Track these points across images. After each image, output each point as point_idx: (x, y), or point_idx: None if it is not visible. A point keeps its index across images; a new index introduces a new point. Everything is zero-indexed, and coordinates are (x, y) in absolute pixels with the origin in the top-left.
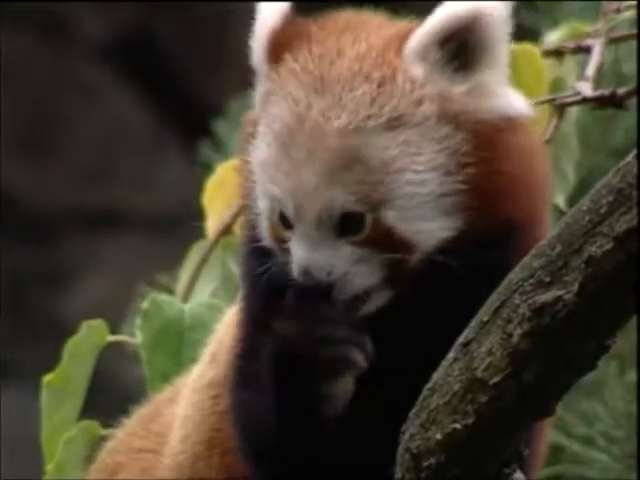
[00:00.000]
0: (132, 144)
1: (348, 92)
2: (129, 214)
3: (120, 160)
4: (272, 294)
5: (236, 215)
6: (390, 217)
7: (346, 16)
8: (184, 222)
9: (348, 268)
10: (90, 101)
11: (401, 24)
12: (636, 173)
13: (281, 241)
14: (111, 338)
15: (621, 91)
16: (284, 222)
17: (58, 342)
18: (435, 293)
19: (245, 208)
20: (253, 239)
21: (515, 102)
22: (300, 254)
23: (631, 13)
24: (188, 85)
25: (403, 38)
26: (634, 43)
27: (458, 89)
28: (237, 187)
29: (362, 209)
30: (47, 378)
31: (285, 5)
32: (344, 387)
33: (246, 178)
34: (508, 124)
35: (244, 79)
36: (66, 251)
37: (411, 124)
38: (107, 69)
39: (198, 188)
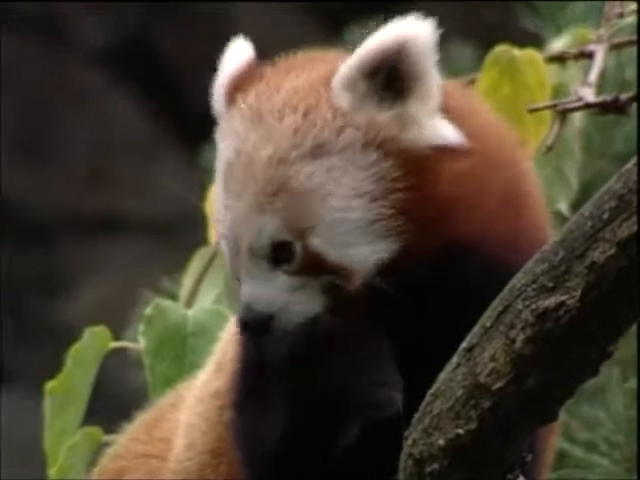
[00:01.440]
0: (132, 148)
1: (275, 123)
2: (129, 219)
3: (120, 165)
4: None
5: None
6: (317, 243)
7: (304, 55)
8: (184, 227)
9: (287, 298)
10: (89, 105)
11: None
12: (637, 179)
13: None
14: (114, 344)
15: (623, 97)
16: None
17: (59, 347)
18: (381, 315)
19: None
20: None
21: (442, 131)
22: (242, 289)
23: (634, 18)
24: (188, 89)
25: (335, 71)
26: (635, 49)
27: (384, 117)
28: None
29: (290, 237)
30: (50, 385)
31: (248, 51)
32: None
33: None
34: (438, 151)
35: None
36: (67, 256)
37: (334, 152)
38: (106, 73)
39: (198, 192)
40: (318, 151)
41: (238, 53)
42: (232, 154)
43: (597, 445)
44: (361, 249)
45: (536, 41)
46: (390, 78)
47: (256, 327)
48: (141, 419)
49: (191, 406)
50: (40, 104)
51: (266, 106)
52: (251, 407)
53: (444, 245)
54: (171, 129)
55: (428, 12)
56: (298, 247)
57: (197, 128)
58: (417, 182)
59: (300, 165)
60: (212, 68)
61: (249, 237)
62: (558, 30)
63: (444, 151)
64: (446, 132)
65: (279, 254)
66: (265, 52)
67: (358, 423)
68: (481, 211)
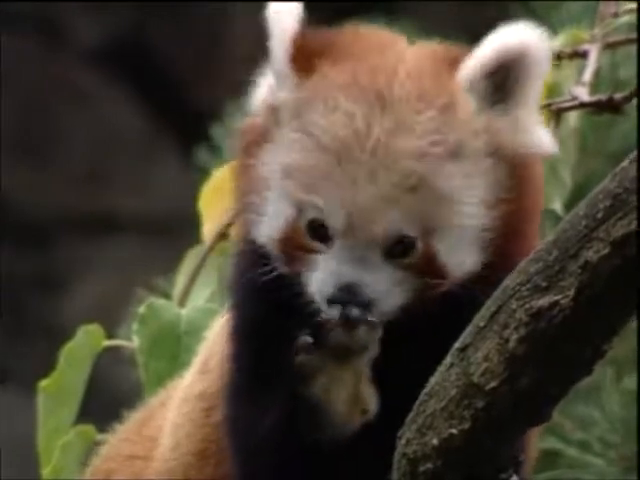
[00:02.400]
0: (128, 148)
1: (413, 115)
2: (125, 218)
3: (116, 164)
4: (266, 303)
5: (232, 220)
6: (439, 246)
7: (368, 31)
8: (180, 226)
9: (389, 288)
10: (85, 105)
11: (430, 46)
12: (633, 178)
13: (300, 250)
14: (107, 343)
15: (618, 96)
16: (317, 233)
17: (54, 346)
18: (442, 318)
19: (243, 211)
20: (248, 243)
21: (544, 139)
22: (342, 269)
23: (628, 17)
24: (184, 89)
25: (450, 64)
26: (631, 48)
27: (501, 123)
28: (234, 189)
29: (416, 234)
30: (43, 383)
31: (298, 9)
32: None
33: (249, 182)
34: (535, 160)
35: (240, 83)
36: (62, 255)
37: (468, 155)
38: (102, 73)
39: (194, 192)
40: (456, 152)
41: (289, 12)
42: (349, 134)
43: (591, 445)
44: (468, 257)
45: None
46: (502, 82)
47: (349, 309)
48: (131, 419)
49: (177, 406)
50: (36, 104)
51: (390, 91)
52: (248, 403)
53: (506, 263)
54: (167, 129)
55: (424, 10)
56: (420, 245)
57: (193, 128)
58: (520, 192)
59: (440, 164)
60: (210, 68)
61: (374, 226)
62: (552, 30)
63: (538, 160)
64: (546, 139)
65: (398, 247)
66: (264, 50)
67: None
68: (536, 227)
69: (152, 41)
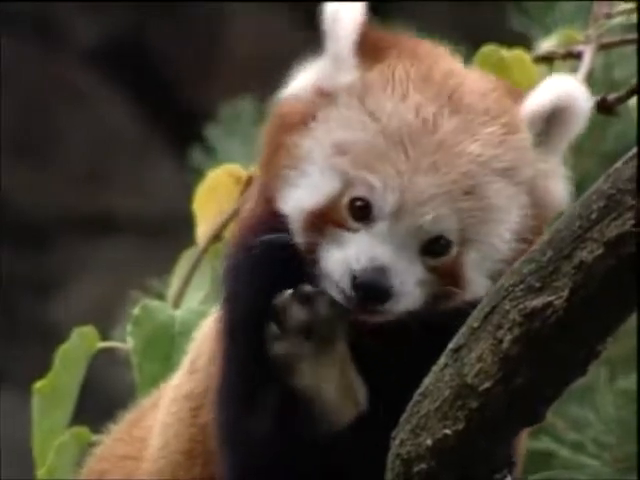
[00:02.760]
0: (123, 149)
1: (480, 124)
2: (120, 219)
3: (111, 165)
4: (265, 285)
5: (226, 222)
6: (470, 257)
7: (420, 40)
8: (175, 227)
9: (413, 287)
10: (81, 106)
11: (477, 70)
12: (627, 178)
13: (333, 225)
14: (102, 344)
15: (612, 97)
16: (359, 210)
17: (49, 347)
18: (442, 330)
19: (269, 185)
20: (267, 215)
21: (565, 194)
22: (377, 251)
23: (622, 18)
24: (179, 90)
25: (513, 93)
26: (625, 49)
27: (543, 165)
28: (262, 166)
29: (455, 239)
30: (38, 384)
31: (363, 6)
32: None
33: (288, 157)
34: (553, 211)
35: (235, 86)
36: (57, 256)
37: (516, 181)
38: (99, 74)
39: (189, 193)
40: (509, 173)
41: (353, 5)
42: (415, 121)
43: (585, 446)
44: (485, 281)
45: (524, 41)
46: (549, 128)
47: (377, 294)
48: (124, 419)
49: (166, 406)
50: (34, 104)
51: (460, 96)
52: (240, 402)
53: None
54: (162, 130)
55: (418, 11)
56: (454, 251)
57: (188, 129)
58: (535, 239)
59: (495, 177)
60: (205, 69)
61: (425, 218)
62: (546, 30)
63: (555, 213)
64: (565, 195)
65: (435, 246)
66: (259, 51)
67: None
68: None
69: (148, 42)
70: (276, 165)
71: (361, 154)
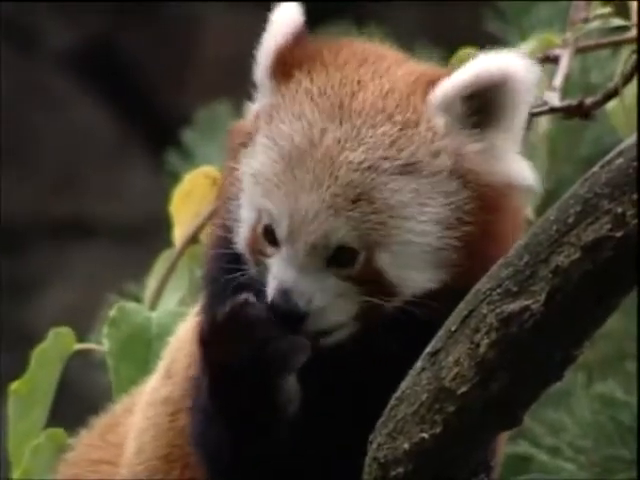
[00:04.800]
0: (99, 154)
1: (368, 128)
2: (96, 223)
3: (87, 170)
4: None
5: (203, 224)
6: (383, 260)
7: (361, 45)
8: (151, 231)
9: (328, 300)
10: (56, 110)
11: (422, 66)
12: (603, 183)
13: (259, 254)
14: (78, 346)
15: (588, 101)
16: (269, 238)
17: (26, 351)
18: (394, 339)
19: (222, 211)
20: (225, 242)
21: (523, 171)
22: (283, 275)
23: (599, 22)
24: (155, 95)
25: (428, 84)
26: (601, 53)
27: (473, 147)
28: (218, 189)
29: (358, 246)
30: (14, 386)
31: (297, 22)
32: (289, 391)
33: (230, 184)
34: (511, 190)
35: (211, 89)
36: (33, 260)
37: (424, 174)
38: (73, 79)
39: (165, 197)
40: (409, 169)
41: (286, 18)
42: (304, 142)
43: (562, 450)
44: (418, 274)
45: (501, 45)
46: (481, 107)
47: (289, 319)
48: (97, 425)
49: (141, 411)
50: (7, 108)
51: (351, 103)
52: (201, 407)
53: (472, 282)
54: (138, 133)
55: (393, 15)
56: (362, 257)
57: (164, 133)
58: (486, 218)
59: (388, 178)
60: (181, 74)
61: (316, 234)
62: (523, 34)
63: (517, 191)
64: (526, 173)
65: (340, 258)
66: (234, 54)
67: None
68: (508, 247)
69: (123, 45)
70: (224, 192)
71: (265, 182)
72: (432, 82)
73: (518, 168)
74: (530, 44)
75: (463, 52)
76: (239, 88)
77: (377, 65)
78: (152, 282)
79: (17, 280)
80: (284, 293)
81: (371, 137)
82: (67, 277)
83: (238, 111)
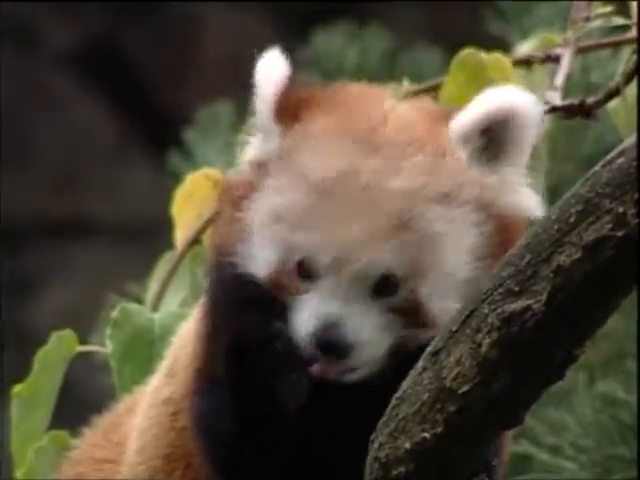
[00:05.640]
0: (100, 153)
1: (401, 158)
2: (97, 223)
3: (88, 169)
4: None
5: (205, 226)
6: (424, 291)
7: (350, 87)
8: (151, 231)
9: (374, 332)
10: (57, 110)
11: (420, 102)
12: (604, 182)
13: (286, 292)
14: (81, 348)
15: (590, 100)
16: (303, 273)
17: (26, 351)
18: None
19: (227, 253)
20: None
21: (533, 204)
22: (327, 308)
23: (600, 21)
24: (156, 95)
25: (443, 118)
26: (602, 52)
27: (491, 180)
28: (218, 240)
29: (402, 275)
30: (17, 388)
31: (286, 70)
32: (298, 384)
33: (237, 231)
34: (524, 222)
35: (211, 89)
36: (34, 260)
37: (457, 204)
38: (74, 78)
39: (166, 197)
40: (444, 199)
41: (275, 67)
42: (335, 172)
43: (563, 449)
44: (454, 306)
45: (502, 45)
46: (492, 142)
47: (335, 351)
48: (99, 424)
49: (143, 411)
50: (7, 108)
51: (376, 136)
52: (211, 397)
53: None
54: (139, 133)
55: (394, 15)
56: (405, 287)
57: (165, 133)
58: (502, 250)
59: (427, 207)
60: (182, 73)
61: (362, 262)
62: (524, 34)
63: (525, 222)
64: (535, 205)
65: (384, 287)
66: (235, 54)
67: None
68: None
69: (123, 45)
70: (229, 240)
71: (293, 218)
72: (445, 116)
73: (529, 201)
74: (531, 43)
75: (464, 52)
76: (240, 88)
77: (384, 101)
78: (154, 283)
79: (17, 280)
80: (331, 325)
81: (406, 167)
82: (67, 277)
83: (239, 111)
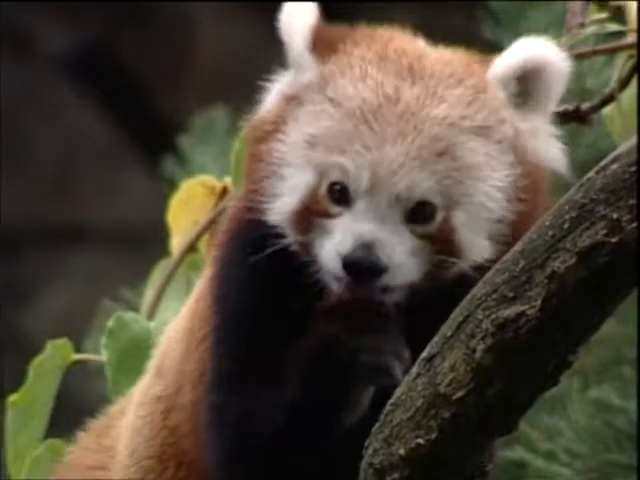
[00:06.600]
0: (95, 159)
1: (444, 88)
2: (92, 229)
3: (83, 175)
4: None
5: (201, 233)
6: (459, 220)
7: (383, 28)
8: (146, 236)
9: (406, 257)
10: (53, 116)
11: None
12: (599, 188)
13: (319, 216)
14: (76, 356)
15: (585, 106)
16: (336, 196)
17: (21, 358)
18: (440, 305)
19: (253, 197)
20: (255, 227)
21: (559, 155)
22: (362, 229)
23: (595, 27)
24: (151, 100)
25: (478, 59)
26: (597, 58)
27: (524, 124)
28: (244, 178)
29: (438, 202)
30: (12, 397)
31: (313, 6)
32: (365, 399)
33: (262, 167)
34: (549, 172)
35: (207, 94)
36: (29, 266)
37: (494, 139)
38: (70, 84)
39: (161, 202)
40: (483, 132)
41: (305, 6)
42: (375, 97)
43: (557, 455)
44: (482, 241)
45: (497, 49)
46: (525, 90)
47: (368, 271)
48: (93, 427)
49: (134, 411)
50: (4, 113)
51: (419, 66)
52: (247, 385)
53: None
54: (134, 139)
55: (391, 16)
56: (440, 215)
57: (160, 138)
58: (533, 199)
59: (467, 137)
60: (177, 79)
61: (401, 185)
62: (519, 38)
63: (551, 173)
64: (561, 156)
65: (419, 213)
66: (230, 60)
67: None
68: None
69: (120, 53)
70: (256, 176)
71: (330, 141)
72: (479, 59)
73: (556, 151)
74: None
75: None
76: (235, 93)
77: (417, 41)
78: (149, 291)
79: (12, 285)
80: (366, 245)
81: (449, 96)
82: (63, 283)
83: (234, 116)
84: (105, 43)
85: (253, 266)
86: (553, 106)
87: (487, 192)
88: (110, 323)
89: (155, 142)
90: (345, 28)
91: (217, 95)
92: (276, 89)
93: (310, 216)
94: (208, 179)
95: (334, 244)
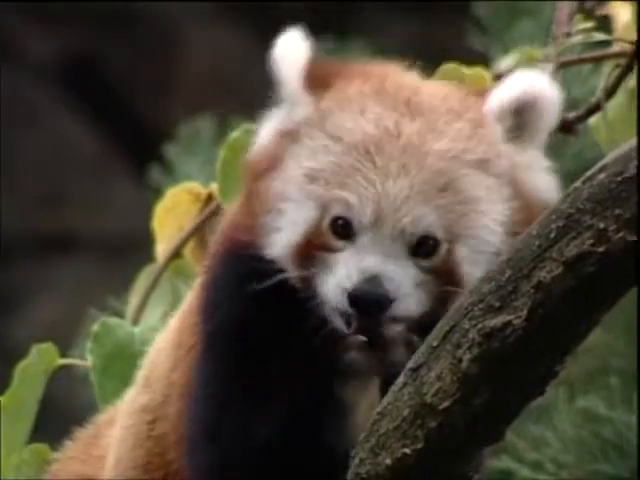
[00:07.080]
0: (81, 168)
1: (444, 122)
2: (79, 238)
3: (69, 184)
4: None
5: (186, 239)
6: (461, 253)
7: (375, 63)
8: (134, 245)
9: (411, 290)
10: (39, 124)
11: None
12: (585, 198)
13: (321, 250)
14: (61, 361)
15: (571, 116)
16: (339, 230)
17: (8, 365)
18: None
19: (252, 232)
20: (253, 261)
21: (552, 187)
22: (368, 262)
23: (581, 37)
24: (137, 109)
25: (473, 93)
26: (583, 67)
27: (521, 158)
28: (241, 215)
29: (442, 236)
30: None
31: (305, 40)
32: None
33: (263, 202)
34: (542, 205)
35: (193, 104)
36: (16, 275)
37: (493, 173)
38: (56, 92)
39: (148, 212)
40: (483, 166)
41: (298, 41)
42: (376, 131)
43: (544, 465)
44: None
45: (484, 59)
46: (519, 123)
47: (376, 304)
48: (80, 436)
49: (120, 421)
50: None
51: (416, 101)
52: (242, 401)
53: None
54: (120, 148)
55: (379, 28)
56: (444, 248)
57: (146, 148)
58: (521, 232)
59: (469, 171)
60: (163, 88)
61: (404, 220)
62: (506, 49)
63: (543, 205)
64: (553, 189)
65: (423, 247)
66: (216, 70)
67: None
68: None
69: (106, 62)
70: (254, 212)
71: (331, 175)
72: (474, 92)
73: (549, 184)
74: (512, 58)
75: (447, 67)
76: (220, 103)
77: (411, 75)
78: (134, 298)
79: (1, 294)
80: (371, 279)
81: (449, 130)
82: (50, 291)
83: (220, 126)
84: (92, 54)
85: (245, 293)
86: (545, 138)
87: (488, 225)
88: (95, 328)
89: (142, 152)
90: (337, 62)
91: (203, 105)
92: (270, 125)
93: (311, 250)
94: (194, 186)
95: (338, 279)
